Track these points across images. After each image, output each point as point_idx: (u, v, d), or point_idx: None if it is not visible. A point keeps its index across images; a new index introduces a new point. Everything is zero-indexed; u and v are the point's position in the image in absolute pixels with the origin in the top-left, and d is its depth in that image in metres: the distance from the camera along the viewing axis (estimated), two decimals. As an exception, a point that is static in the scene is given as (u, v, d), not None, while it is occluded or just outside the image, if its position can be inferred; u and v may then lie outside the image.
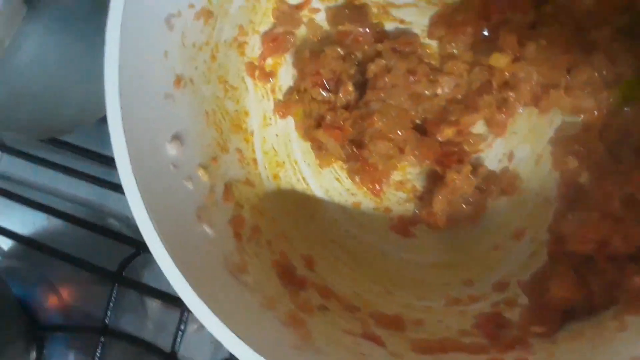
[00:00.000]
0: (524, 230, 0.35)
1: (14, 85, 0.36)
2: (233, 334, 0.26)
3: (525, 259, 0.34)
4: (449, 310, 0.35)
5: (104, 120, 0.44)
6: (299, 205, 0.38)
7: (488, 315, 0.33)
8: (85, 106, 0.41)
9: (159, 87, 0.30)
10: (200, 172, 0.32)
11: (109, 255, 0.47)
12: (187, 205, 0.31)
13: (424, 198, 0.37)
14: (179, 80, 0.31)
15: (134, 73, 0.28)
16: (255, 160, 0.38)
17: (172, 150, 0.31)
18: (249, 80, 0.38)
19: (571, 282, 0.30)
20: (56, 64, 0.36)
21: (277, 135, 0.39)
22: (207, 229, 0.31)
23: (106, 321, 0.44)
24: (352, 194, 0.38)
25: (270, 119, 0.39)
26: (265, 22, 0.37)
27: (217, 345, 0.48)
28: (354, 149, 0.37)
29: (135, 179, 0.27)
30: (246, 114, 0.38)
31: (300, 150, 0.39)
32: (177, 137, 0.31)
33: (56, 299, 0.50)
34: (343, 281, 0.36)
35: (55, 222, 0.49)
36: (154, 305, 0.50)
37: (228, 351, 0.46)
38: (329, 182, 0.39)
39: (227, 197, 0.34)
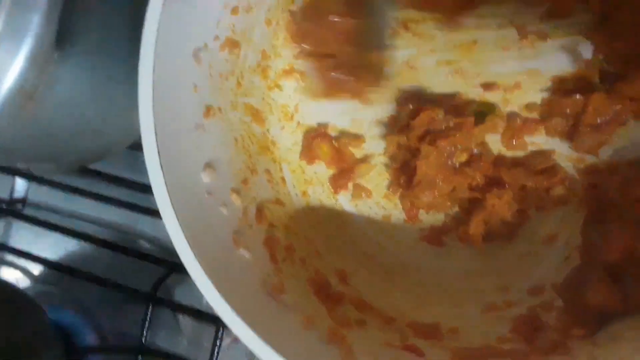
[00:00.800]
0: (556, 235, 0.35)
1: (44, 125, 0.36)
2: (278, 354, 0.27)
3: (558, 263, 0.34)
4: (485, 317, 0.35)
5: (132, 147, 0.45)
6: (329, 221, 0.39)
7: (525, 318, 0.34)
8: (114, 137, 0.42)
9: (191, 119, 0.31)
10: (233, 197, 0.33)
11: (141, 277, 0.48)
12: (224, 230, 0.32)
13: (459, 216, 0.37)
14: (208, 110, 0.32)
15: (167, 108, 0.29)
16: (283, 179, 0.39)
17: (206, 178, 0.31)
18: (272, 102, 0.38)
19: (606, 288, 0.30)
20: (87, 101, 0.37)
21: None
22: (244, 252, 0.32)
23: (142, 340, 0.45)
24: (382, 207, 0.39)
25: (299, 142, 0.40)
26: (287, 45, 0.38)
27: (252, 357, 0.48)
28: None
29: (174, 209, 0.28)
30: (273, 139, 0.39)
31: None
32: (209, 165, 0.32)
33: (91, 322, 0.51)
34: (377, 293, 0.37)
35: (86, 247, 0.50)
36: (188, 322, 0.51)
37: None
38: (358, 197, 0.39)
39: (259, 218, 0.35)
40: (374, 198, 0.39)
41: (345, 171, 0.38)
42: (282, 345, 0.27)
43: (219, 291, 0.28)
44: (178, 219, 0.28)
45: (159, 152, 0.28)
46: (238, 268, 0.31)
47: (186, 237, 0.28)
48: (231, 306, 0.27)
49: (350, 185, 0.39)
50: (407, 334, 0.34)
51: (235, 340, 0.50)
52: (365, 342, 0.32)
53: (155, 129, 0.28)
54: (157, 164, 0.28)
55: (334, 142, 0.38)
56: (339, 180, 0.38)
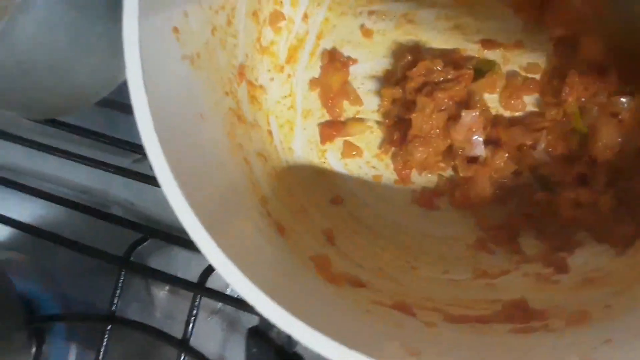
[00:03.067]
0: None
1: (15, 57, 0.34)
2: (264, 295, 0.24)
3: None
4: (475, 284, 0.34)
5: (102, 104, 0.43)
6: (315, 180, 0.37)
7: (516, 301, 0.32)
8: (89, 84, 0.39)
9: (179, 51, 0.29)
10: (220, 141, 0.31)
11: (114, 244, 0.45)
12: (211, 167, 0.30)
13: (453, 179, 0.36)
14: (195, 48, 0.30)
15: (153, 40, 0.26)
16: (270, 132, 0.37)
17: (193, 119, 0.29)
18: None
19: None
20: (62, 36, 0.35)
21: (291, 107, 0.38)
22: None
23: (113, 309, 0.42)
24: (373, 167, 0.37)
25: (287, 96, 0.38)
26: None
27: (228, 332, 0.46)
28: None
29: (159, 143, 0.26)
30: (262, 88, 0.37)
31: (318, 122, 0.38)
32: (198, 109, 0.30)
33: (56, 290, 0.48)
34: (365, 256, 0.35)
35: (55, 210, 0.47)
36: (161, 295, 0.48)
37: (240, 339, 0.44)
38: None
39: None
40: (365, 157, 0.37)
41: (337, 124, 0.36)
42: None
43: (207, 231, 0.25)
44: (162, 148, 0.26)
45: (144, 77, 0.25)
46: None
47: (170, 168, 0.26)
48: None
49: (340, 141, 0.37)
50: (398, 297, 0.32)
51: (213, 313, 0.47)
52: (353, 298, 0.30)
53: (140, 50, 0.25)
54: (141, 89, 0.25)
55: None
56: (329, 130, 0.36)
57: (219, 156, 0.31)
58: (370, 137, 0.37)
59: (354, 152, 0.37)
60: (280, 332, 0.31)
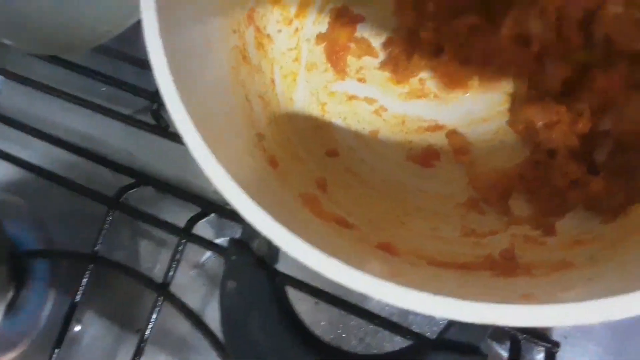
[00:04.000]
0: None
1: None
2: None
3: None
4: (463, 240, 0.34)
5: (104, 52, 0.43)
6: (313, 131, 0.37)
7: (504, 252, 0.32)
8: (97, 21, 0.40)
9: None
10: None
11: (106, 187, 0.45)
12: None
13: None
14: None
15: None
16: (273, 80, 0.37)
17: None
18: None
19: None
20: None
21: (296, 60, 0.38)
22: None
23: (96, 249, 0.42)
24: (370, 122, 0.38)
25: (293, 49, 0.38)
26: None
27: (210, 289, 0.45)
28: None
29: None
30: (269, 37, 0.37)
31: (321, 75, 0.38)
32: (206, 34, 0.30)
33: (45, 234, 0.48)
34: (356, 208, 0.35)
35: (53, 151, 0.47)
36: (148, 242, 0.47)
37: (225, 259, 0.42)
38: (347, 109, 0.38)
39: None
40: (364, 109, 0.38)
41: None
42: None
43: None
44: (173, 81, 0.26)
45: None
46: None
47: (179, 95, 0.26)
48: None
49: (341, 95, 0.37)
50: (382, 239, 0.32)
51: (197, 266, 0.47)
52: (338, 232, 0.30)
53: None
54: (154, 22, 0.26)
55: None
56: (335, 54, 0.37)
57: (222, 83, 0.31)
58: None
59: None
60: (261, 244, 0.31)
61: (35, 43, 0.42)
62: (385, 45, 0.38)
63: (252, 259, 0.29)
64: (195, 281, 0.45)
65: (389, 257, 0.29)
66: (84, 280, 0.41)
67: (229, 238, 0.32)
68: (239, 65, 0.34)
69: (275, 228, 0.24)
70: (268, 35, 0.37)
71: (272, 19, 0.38)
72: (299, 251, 0.23)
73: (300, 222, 0.27)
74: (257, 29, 0.36)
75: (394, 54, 0.37)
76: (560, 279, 0.26)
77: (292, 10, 0.38)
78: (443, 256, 0.31)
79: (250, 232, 0.33)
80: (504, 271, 0.29)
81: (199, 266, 0.45)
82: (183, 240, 0.40)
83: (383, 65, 0.38)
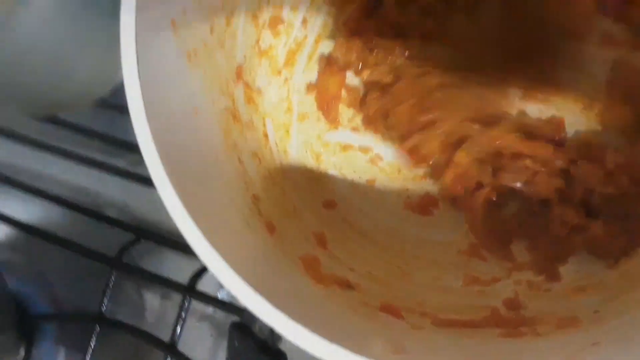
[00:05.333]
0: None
1: (15, 51, 0.34)
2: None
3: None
4: (467, 290, 0.33)
5: (100, 104, 0.43)
6: (309, 183, 0.37)
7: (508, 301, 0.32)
8: (89, 81, 0.40)
9: (176, 45, 0.29)
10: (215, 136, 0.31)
11: (107, 244, 0.45)
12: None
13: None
14: (194, 48, 0.30)
15: (151, 26, 0.27)
16: (266, 134, 0.37)
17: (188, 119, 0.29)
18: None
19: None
20: (62, 31, 0.35)
21: (287, 110, 0.38)
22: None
23: (102, 309, 0.42)
24: (366, 172, 0.37)
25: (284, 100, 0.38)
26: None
27: (217, 338, 0.45)
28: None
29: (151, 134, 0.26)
30: (259, 90, 0.37)
31: (314, 125, 0.38)
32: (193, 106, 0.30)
33: (47, 289, 0.48)
34: (357, 261, 0.34)
35: (51, 209, 0.47)
36: (152, 297, 0.47)
37: (228, 344, 0.43)
38: (342, 159, 0.38)
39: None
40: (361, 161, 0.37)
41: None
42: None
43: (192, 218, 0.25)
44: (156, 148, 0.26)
45: (138, 68, 0.26)
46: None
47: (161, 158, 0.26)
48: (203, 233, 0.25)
49: (336, 145, 0.37)
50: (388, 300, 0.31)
51: (202, 318, 0.47)
52: (340, 299, 0.30)
53: (136, 42, 0.26)
54: (135, 75, 0.26)
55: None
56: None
57: (212, 152, 0.31)
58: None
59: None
60: (262, 327, 0.31)
61: (28, 106, 0.42)
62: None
63: (254, 344, 0.29)
64: (203, 333, 0.45)
65: (393, 321, 0.29)
66: (92, 342, 0.41)
67: (230, 322, 0.32)
68: (230, 127, 0.33)
69: (275, 315, 0.24)
70: (258, 89, 0.37)
71: (261, 72, 0.37)
72: (300, 339, 0.23)
73: (301, 298, 0.27)
74: (247, 85, 0.36)
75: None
76: (566, 342, 0.26)
77: (280, 60, 0.38)
78: (447, 311, 0.31)
79: (250, 315, 0.33)
80: (510, 329, 0.29)
81: (206, 317, 0.45)
82: (187, 298, 0.40)
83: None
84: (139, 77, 0.25)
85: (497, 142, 0.33)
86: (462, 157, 0.34)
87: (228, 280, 0.24)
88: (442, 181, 0.35)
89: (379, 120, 0.36)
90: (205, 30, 0.32)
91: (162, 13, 0.27)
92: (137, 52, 0.25)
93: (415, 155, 0.36)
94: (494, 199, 0.34)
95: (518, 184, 0.33)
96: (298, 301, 0.27)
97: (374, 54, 0.37)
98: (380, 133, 0.37)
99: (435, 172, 0.36)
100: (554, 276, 0.32)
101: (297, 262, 0.31)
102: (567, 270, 0.32)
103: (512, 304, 0.32)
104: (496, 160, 0.34)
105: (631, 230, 0.31)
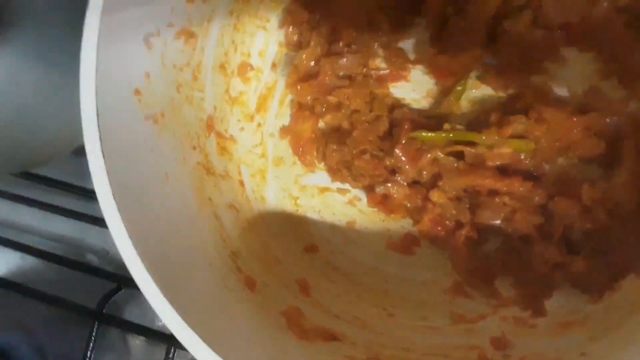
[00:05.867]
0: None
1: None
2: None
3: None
4: (454, 329, 0.33)
5: (78, 152, 0.42)
6: (289, 229, 0.37)
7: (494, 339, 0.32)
8: (59, 136, 0.39)
9: (141, 113, 0.28)
10: (187, 200, 0.31)
11: (89, 293, 0.44)
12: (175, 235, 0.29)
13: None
14: (160, 109, 0.29)
15: (112, 100, 0.26)
16: (242, 182, 0.36)
17: (157, 181, 0.29)
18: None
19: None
20: (29, 91, 0.34)
21: (262, 156, 0.38)
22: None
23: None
24: (345, 214, 0.37)
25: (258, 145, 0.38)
26: (251, 42, 0.36)
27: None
28: None
29: (118, 210, 0.25)
30: (232, 138, 0.37)
31: (290, 169, 0.37)
32: (162, 168, 0.29)
33: (32, 342, 0.47)
34: (342, 306, 0.34)
35: (30, 261, 0.46)
36: (137, 343, 0.47)
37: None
38: (321, 202, 0.37)
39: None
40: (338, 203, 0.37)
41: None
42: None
43: (168, 299, 0.25)
44: (123, 219, 0.25)
45: (102, 146, 0.25)
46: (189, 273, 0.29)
47: (132, 240, 0.26)
48: (177, 310, 0.25)
49: (313, 188, 0.37)
50: (375, 349, 0.31)
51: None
52: (325, 355, 0.29)
53: (98, 125, 0.25)
54: (99, 156, 0.25)
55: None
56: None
57: (185, 215, 0.30)
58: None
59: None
60: None
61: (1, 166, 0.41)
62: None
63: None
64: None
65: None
66: (80, 397, 0.41)
67: None
68: (204, 183, 0.33)
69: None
70: (231, 137, 0.37)
71: (233, 119, 0.37)
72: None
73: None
74: (219, 135, 0.35)
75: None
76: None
77: (252, 106, 0.38)
78: (435, 356, 0.31)
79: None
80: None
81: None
82: (172, 348, 0.39)
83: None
84: (102, 153, 0.25)
85: (474, 182, 0.33)
86: (438, 197, 0.34)
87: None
88: (421, 224, 0.35)
89: (343, 171, 0.36)
90: (172, 89, 0.31)
91: (124, 84, 0.27)
92: (99, 132, 0.24)
93: (386, 206, 0.35)
94: (475, 237, 0.34)
95: (497, 222, 0.33)
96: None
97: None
98: (348, 183, 0.37)
99: (413, 215, 0.35)
100: (539, 311, 0.32)
101: (279, 319, 0.30)
102: (553, 305, 0.32)
103: (499, 343, 0.32)
104: (473, 197, 0.34)
105: (613, 263, 0.31)
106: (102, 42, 0.25)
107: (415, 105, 0.36)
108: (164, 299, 0.25)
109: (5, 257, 0.47)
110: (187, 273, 0.28)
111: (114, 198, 0.25)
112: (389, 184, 0.35)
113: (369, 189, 0.36)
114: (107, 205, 0.25)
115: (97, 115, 0.25)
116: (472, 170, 0.33)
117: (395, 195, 0.34)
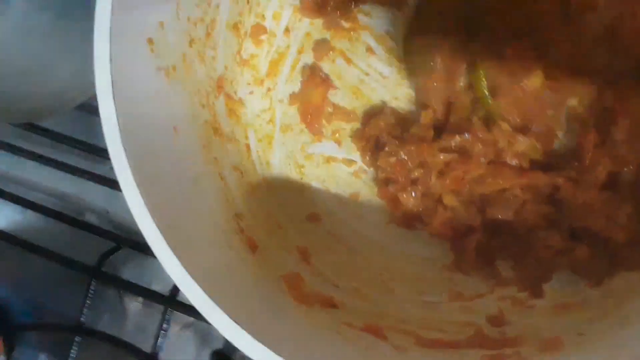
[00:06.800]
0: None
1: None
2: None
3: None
4: (450, 306, 0.33)
5: (81, 108, 0.42)
6: (293, 196, 0.37)
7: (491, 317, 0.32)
8: (67, 87, 0.39)
9: (153, 63, 0.28)
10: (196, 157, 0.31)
11: (87, 251, 0.44)
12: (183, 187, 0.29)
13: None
14: (173, 61, 0.29)
15: (125, 52, 0.26)
16: (248, 146, 0.36)
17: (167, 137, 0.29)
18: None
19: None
20: (37, 40, 0.34)
21: (270, 121, 0.37)
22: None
23: (82, 319, 0.41)
24: (350, 185, 0.37)
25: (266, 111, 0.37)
26: (266, 3, 0.36)
27: (200, 346, 0.45)
28: None
29: (128, 160, 0.25)
30: (241, 101, 0.36)
31: (297, 137, 0.37)
32: (173, 123, 0.29)
33: (28, 298, 0.47)
34: (341, 275, 0.34)
35: (30, 216, 0.46)
36: (133, 306, 0.47)
37: (211, 351, 0.43)
38: (326, 171, 0.37)
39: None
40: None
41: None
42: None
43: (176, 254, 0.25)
44: (131, 166, 0.25)
45: (114, 93, 0.25)
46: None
47: (139, 188, 0.25)
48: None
49: (319, 157, 0.37)
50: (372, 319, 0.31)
51: (185, 327, 0.46)
52: (323, 320, 0.29)
53: (110, 62, 0.25)
54: (111, 104, 0.25)
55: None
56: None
57: (192, 171, 0.30)
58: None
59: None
60: (244, 357, 0.30)
61: (5, 114, 0.40)
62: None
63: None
64: (186, 341, 0.45)
65: (376, 343, 0.29)
66: (73, 353, 0.41)
67: (211, 351, 0.31)
68: (211, 141, 0.33)
69: (257, 349, 0.23)
70: (240, 100, 0.36)
71: (243, 82, 0.36)
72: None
73: (282, 324, 0.27)
74: (228, 96, 0.35)
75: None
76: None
77: (263, 70, 0.37)
78: (431, 329, 0.31)
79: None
80: (494, 351, 0.28)
81: (189, 326, 0.45)
82: (168, 309, 0.39)
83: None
84: (113, 98, 0.25)
85: (499, 187, 0.32)
86: (450, 201, 0.33)
87: (208, 313, 0.24)
88: (430, 227, 0.34)
89: (369, 151, 0.36)
90: (184, 43, 0.31)
91: (138, 32, 0.26)
92: (112, 79, 0.24)
93: (395, 204, 0.35)
94: (486, 241, 0.33)
95: (508, 216, 0.33)
96: (280, 328, 0.26)
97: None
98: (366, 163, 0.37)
99: (423, 219, 0.35)
100: (537, 293, 0.32)
101: (279, 282, 0.30)
102: (551, 288, 0.32)
103: (496, 321, 0.32)
104: (484, 195, 0.34)
105: (614, 252, 0.31)
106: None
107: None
108: (172, 254, 0.24)
109: (6, 210, 0.47)
110: (193, 229, 0.27)
111: (124, 147, 0.25)
112: (404, 194, 0.34)
113: (383, 182, 0.35)
114: (117, 155, 0.25)
115: (110, 61, 0.24)
116: (496, 173, 0.33)
117: (405, 203, 0.34)
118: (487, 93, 0.32)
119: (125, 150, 0.25)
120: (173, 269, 0.24)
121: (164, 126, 0.28)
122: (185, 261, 0.24)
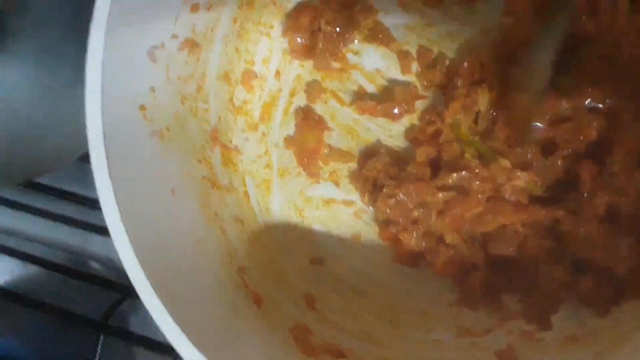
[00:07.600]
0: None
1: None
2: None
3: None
4: (459, 343, 0.33)
5: (82, 159, 0.42)
6: (295, 241, 0.36)
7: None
8: (63, 145, 0.39)
9: (147, 129, 0.28)
10: (193, 215, 0.30)
11: (93, 303, 0.44)
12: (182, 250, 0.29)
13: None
14: (164, 119, 0.29)
15: (118, 114, 0.26)
16: (247, 193, 0.36)
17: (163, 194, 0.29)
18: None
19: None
20: (32, 100, 0.34)
21: (267, 166, 0.37)
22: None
23: (93, 375, 0.41)
24: (351, 226, 0.37)
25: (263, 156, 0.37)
26: (255, 49, 0.36)
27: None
28: None
29: (125, 229, 0.25)
30: (236, 149, 0.36)
31: (295, 180, 0.37)
32: (169, 183, 0.29)
33: (38, 353, 0.47)
34: (347, 318, 0.34)
35: (33, 270, 0.46)
36: (143, 353, 0.47)
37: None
38: (326, 213, 0.37)
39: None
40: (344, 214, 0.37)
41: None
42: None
43: (172, 315, 0.25)
44: (129, 239, 0.25)
45: (108, 166, 0.25)
46: (194, 290, 0.28)
47: (138, 258, 0.25)
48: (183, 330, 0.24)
49: (318, 199, 0.37)
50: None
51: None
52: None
53: (104, 136, 0.25)
54: (106, 178, 0.25)
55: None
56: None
57: (192, 231, 0.30)
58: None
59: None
60: None
61: (5, 177, 0.40)
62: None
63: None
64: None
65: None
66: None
67: None
68: (209, 197, 0.33)
69: None
70: (235, 147, 0.36)
71: (237, 129, 0.36)
72: None
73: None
74: (223, 146, 0.35)
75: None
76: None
77: (256, 114, 0.37)
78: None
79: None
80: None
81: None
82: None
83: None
84: (109, 174, 0.25)
85: (499, 223, 0.32)
86: (452, 240, 0.33)
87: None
88: (433, 267, 0.34)
89: (369, 191, 0.36)
90: (176, 102, 0.31)
91: (129, 100, 0.26)
92: (106, 153, 0.24)
93: (396, 245, 0.35)
94: (490, 279, 0.33)
95: (510, 252, 0.33)
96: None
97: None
98: (365, 203, 0.37)
99: (425, 258, 0.35)
100: (545, 325, 0.32)
101: (287, 336, 0.30)
102: (559, 319, 0.32)
103: (506, 355, 0.31)
104: (485, 232, 0.34)
105: (619, 280, 0.31)
106: (107, 59, 0.24)
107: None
108: (170, 318, 0.24)
109: (8, 266, 0.47)
110: (194, 291, 0.27)
111: (120, 215, 0.25)
112: (405, 234, 0.34)
113: (384, 223, 0.35)
114: (114, 226, 0.25)
115: (104, 134, 0.24)
116: (495, 210, 0.33)
117: (407, 243, 0.34)
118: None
119: (122, 221, 0.25)
120: (172, 334, 0.24)
121: (161, 191, 0.28)
122: (185, 325, 0.25)
